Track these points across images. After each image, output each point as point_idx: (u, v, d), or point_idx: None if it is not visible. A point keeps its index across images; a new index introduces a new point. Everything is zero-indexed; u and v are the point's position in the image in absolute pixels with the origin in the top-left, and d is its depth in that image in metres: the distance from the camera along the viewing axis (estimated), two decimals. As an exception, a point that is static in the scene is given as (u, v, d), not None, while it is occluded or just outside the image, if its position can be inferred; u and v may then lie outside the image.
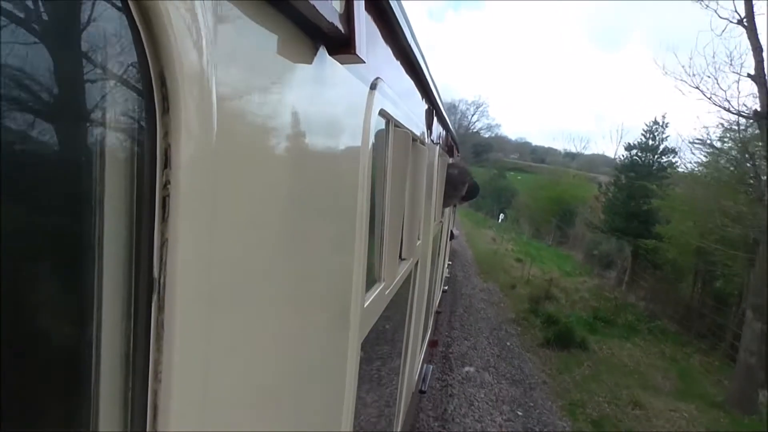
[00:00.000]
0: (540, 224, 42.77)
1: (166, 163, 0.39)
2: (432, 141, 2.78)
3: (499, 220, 42.22)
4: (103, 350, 0.38)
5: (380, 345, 1.94)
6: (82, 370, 0.38)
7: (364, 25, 0.82)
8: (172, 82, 0.38)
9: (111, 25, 0.37)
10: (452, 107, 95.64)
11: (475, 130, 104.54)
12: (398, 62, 1.50)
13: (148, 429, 0.40)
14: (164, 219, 0.39)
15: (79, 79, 0.35)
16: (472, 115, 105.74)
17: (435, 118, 3.03)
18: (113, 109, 0.38)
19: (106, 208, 0.38)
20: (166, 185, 0.39)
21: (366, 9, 1.02)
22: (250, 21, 0.52)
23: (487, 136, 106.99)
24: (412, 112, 1.74)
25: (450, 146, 5.17)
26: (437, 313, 7.89)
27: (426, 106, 2.52)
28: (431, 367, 6.43)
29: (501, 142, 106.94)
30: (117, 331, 0.39)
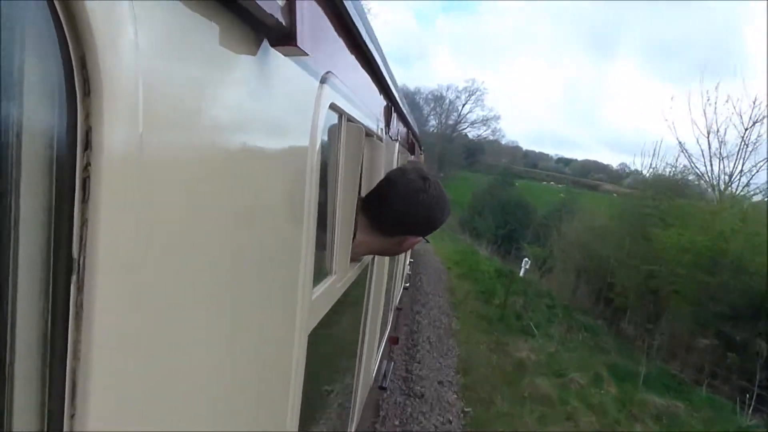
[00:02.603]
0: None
1: (87, 145, 0.39)
2: (391, 137, 2.80)
3: (522, 269, 25.08)
4: (19, 329, 0.39)
5: (332, 338, 1.95)
6: (-3, 349, 0.38)
7: (309, 17, 0.83)
8: (92, 66, 0.38)
9: (30, 6, 0.37)
10: (438, 98, 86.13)
11: (467, 126, 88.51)
12: (353, 57, 1.51)
13: (66, 408, 0.41)
14: (84, 200, 0.40)
15: (-5, 59, 0.35)
16: (464, 105, 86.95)
17: (395, 115, 3.05)
18: (32, 91, 0.38)
19: (23, 190, 0.38)
20: (86, 167, 0.39)
21: (317, 1, 1.03)
22: (185, 8, 0.52)
23: (482, 132, 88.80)
24: (367, 107, 1.76)
25: (411, 143, 5.20)
26: (398, 309, 7.93)
27: (385, 103, 2.53)
28: (392, 363, 6.47)
29: (492, 145, 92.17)
30: (34, 311, 0.40)
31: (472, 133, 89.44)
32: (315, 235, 1.14)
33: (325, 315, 1.41)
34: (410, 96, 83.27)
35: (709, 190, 24.85)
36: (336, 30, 1.25)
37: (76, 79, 0.38)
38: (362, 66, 1.71)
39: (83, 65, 0.38)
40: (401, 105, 3.26)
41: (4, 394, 0.39)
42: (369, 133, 1.89)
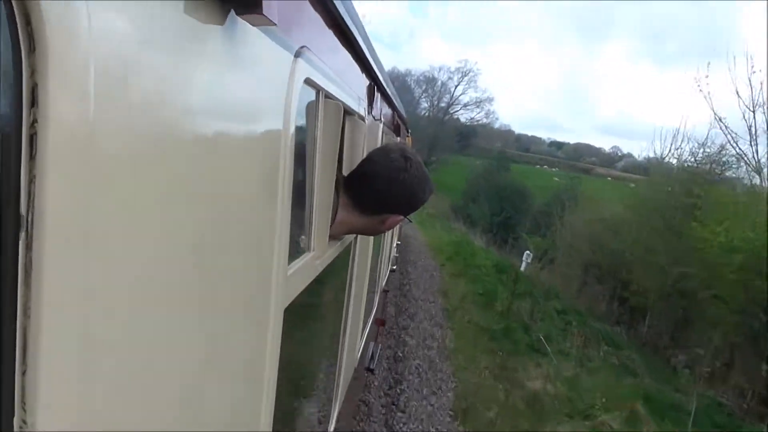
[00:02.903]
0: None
1: (33, 102, 0.39)
2: (374, 118, 2.79)
3: (523, 263, 22.83)
4: None
5: (313, 316, 1.96)
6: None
7: None
8: (37, 22, 0.38)
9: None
10: (430, 80, 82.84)
11: (459, 108, 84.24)
12: (331, 33, 1.51)
13: (17, 365, 0.41)
14: (32, 156, 0.40)
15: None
16: (456, 86, 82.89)
17: (379, 95, 3.04)
18: None
19: None
20: (33, 123, 0.39)
21: None
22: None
23: (476, 115, 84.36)
24: (346, 85, 1.75)
25: (397, 125, 5.19)
26: (384, 291, 7.96)
27: (367, 82, 2.53)
28: (379, 345, 6.51)
29: (484, 129, 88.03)
30: None
31: (465, 116, 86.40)
32: (289, 212, 1.14)
33: (303, 291, 1.42)
34: (401, 78, 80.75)
35: (756, 176, 20.07)
36: (313, 4, 1.24)
37: (20, 35, 0.38)
38: (342, 43, 1.70)
39: (28, 21, 0.38)
40: (385, 85, 3.24)
41: None
42: (350, 112, 1.89)
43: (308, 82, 1.23)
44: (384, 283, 7.51)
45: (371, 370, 5.52)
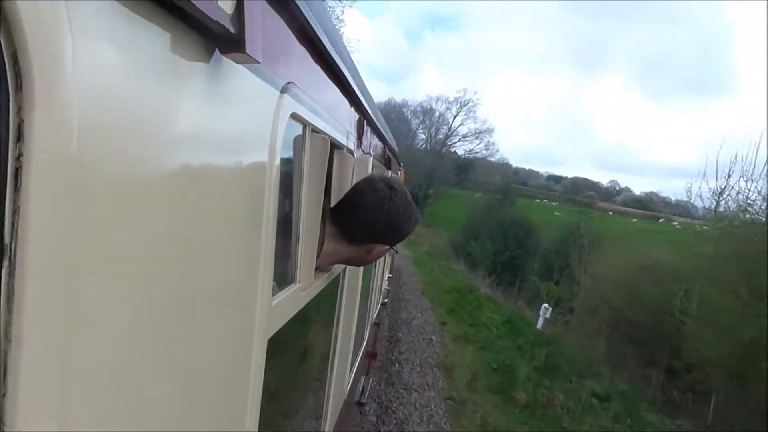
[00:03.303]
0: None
1: (19, 137, 0.42)
2: (363, 151, 2.83)
3: (540, 318, 19.94)
4: None
5: (299, 348, 1.96)
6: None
7: (262, 25, 0.86)
8: (24, 62, 0.41)
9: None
10: (428, 111, 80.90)
11: (458, 140, 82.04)
12: (318, 68, 1.54)
13: None
14: (17, 188, 0.42)
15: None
16: (455, 117, 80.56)
17: (368, 129, 3.09)
18: None
19: None
20: (19, 157, 0.42)
21: (276, 10, 1.06)
22: (125, 10, 0.55)
23: (475, 146, 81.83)
24: (334, 119, 1.79)
25: (388, 158, 5.24)
26: (375, 324, 7.92)
27: (357, 116, 2.57)
28: (370, 379, 6.45)
29: (480, 162, 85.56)
30: None
31: (463, 148, 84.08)
32: (274, 243, 1.16)
33: (288, 322, 1.43)
34: (397, 109, 79.72)
35: None
36: (298, 40, 1.28)
37: (8, 74, 0.41)
38: (329, 78, 1.74)
39: (15, 61, 0.41)
40: (375, 119, 3.30)
41: None
42: (338, 146, 1.92)
43: (294, 116, 1.26)
44: (375, 316, 7.48)
45: (362, 404, 5.46)
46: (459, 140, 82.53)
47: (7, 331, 0.42)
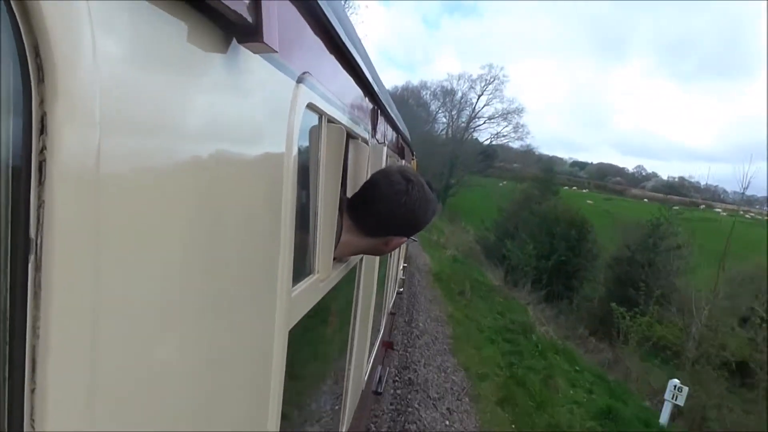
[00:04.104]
0: None
1: (42, 130, 0.41)
2: (378, 141, 2.82)
3: (667, 406, 10.65)
4: None
5: (318, 338, 1.96)
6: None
7: (279, 14, 0.85)
8: (46, 54, 0.40)
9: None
10: (448, 92, 72.02)
11: (483, 122, 71.50)
12: (332, 58, 1.53)
13: (26, 383, 0.43)
14: (41, 182, 0.41)
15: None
16: (479, 96, 70.49)
17: (382, 119, 3.08)
18: None
19: None
20: (42, 150, 0.41)
21: (293, 3, 1.05)
22: (149, 5, 0.54)
23: (502, 129, 70.80)
24: (349, 109, 1.78)
25: (401, 147, 5.23)
26: (391, 314, 7.94)
27: (371, 106, 2.56)
28: (387, 369, 6.48)
29: (501, 148, 76.73)
30: None
31: (489, 131, 73.14)
32: (293, 234, 1.16)
33: (308, 313, 1.43)
34: (415, 93, 72.71)
35: None
36: (313, 30, 1.27)
37: (30, 67, 0.40)
38: (344, 68, 1.73)
39: (37, 53, 0.40)
40: (389, 109, 3.28)
41: None
42: (353, 135, 1.91)
43: (311, 106, 1.25)
44: (391, 306, 7.49)
45: (379, 394, 5.49)
46: (484, 123, 72.70)
47: (35, 326, 0.42)
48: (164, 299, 0.63)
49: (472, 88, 71.78)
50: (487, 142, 74.22)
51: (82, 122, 0.44)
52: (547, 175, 52.86)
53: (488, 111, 71.58)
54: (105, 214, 0.48)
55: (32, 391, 0.43)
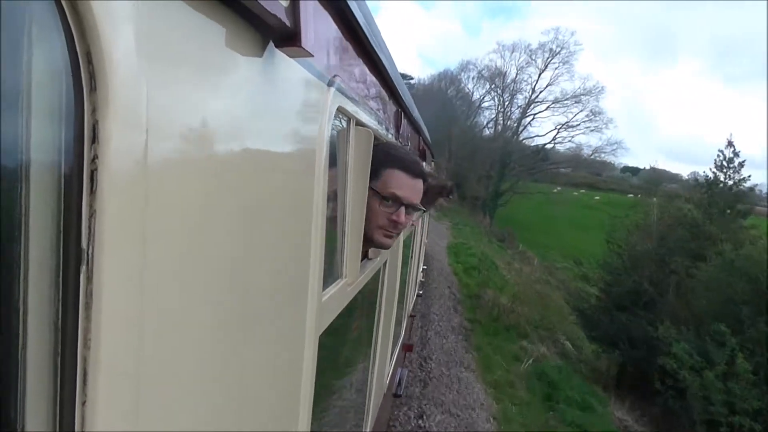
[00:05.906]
0: None
1: (94, 138, 0.40)
2: (400, 143, 2.81)
3: None
4: (31, 319, 0.40)
5: (344, 342, 1.96)
6: (9, 337, 0.39)
7: (314, 19, 0.85)
8: (98, 61, 0.40)
9: (37, 5, 0.38)
10: (497, 74, 52.59)
11: (545, 109, 51.31)
12: (361, 62, 1.53)
13: (77, 395, 0.42)
14: (92, 191, 0.41)
15: (2, 60, 0.37)
16: (542, 71, 50.47)
17: (405, 121, 3.07)
18: (41, 87, 0.40)
19: (33, 183, 0.39)
20: (94, 159, 0.41)
21: (325, 8, 1.05)
22: (189, 8, 0.54)
23: (572, 119, 49.93)
24: (375, 112, 1.77)
25: (422, 149, 5.21)
26: (411, 317, 7.92)
27: (395, 109, 2.55)
28: (406, 370, 6.47)
29: (549, 152, 52.58)
30: (45, 301, 0.41)
31: (551, 120, 54.29)
32: (324, 238, 1.15)
33: (336, 317, 1.42)
34: (456, 82, 56.07)
35: None
36: (344, 35, 1.26)
37: (83, 75, 0.40)
38: (371, 72, 1.72)
39: (89, 60, 0.40)
40: (411, 112, 3.27)
41: (18, 382, 0.40)
42: (378, 138, 1.90)
43: (340, 110, 1.25)
44: (411, 308, 7.48)
45: (398, 396, 5.47)
46: (547, 108, 51.79)
47: (86, 338, 0.42)
48: (208, 308, 0.62)
49: (532, 61, 51.42)
50: (550, 135, 52.83)
51: (131, 130, 0.43)
52: (561, 180, 42.55)
53: (554, 92, 51.48)
54: (151, 222, 0.48)
55: (83, 403, 0.42)
